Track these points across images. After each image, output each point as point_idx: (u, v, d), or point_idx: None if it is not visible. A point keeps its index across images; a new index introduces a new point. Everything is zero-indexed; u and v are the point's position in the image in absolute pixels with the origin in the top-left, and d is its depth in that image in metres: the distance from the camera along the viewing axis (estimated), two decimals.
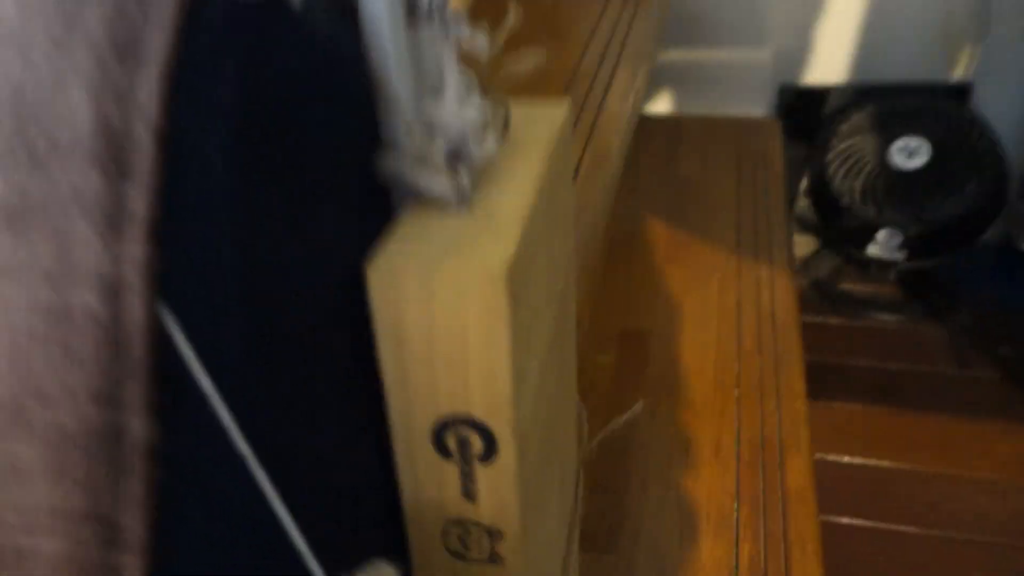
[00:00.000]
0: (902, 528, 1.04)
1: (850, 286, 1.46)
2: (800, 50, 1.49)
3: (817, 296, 1.45)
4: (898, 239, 1.29)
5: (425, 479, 0.33)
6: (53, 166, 0.23)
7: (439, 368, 0.30)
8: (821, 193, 1.38)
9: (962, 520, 1.05)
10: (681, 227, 1.12)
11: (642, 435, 0.79)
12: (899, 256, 1.31)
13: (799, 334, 0.91)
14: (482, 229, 0.30)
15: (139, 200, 0.23)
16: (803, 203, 1.53)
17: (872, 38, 1.44)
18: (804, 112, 1.51)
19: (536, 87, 0.81)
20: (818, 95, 1.49)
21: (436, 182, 0.31)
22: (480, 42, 0.33)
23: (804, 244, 1.58)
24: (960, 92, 1.43)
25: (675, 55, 1.54)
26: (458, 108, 0.33)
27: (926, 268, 1.39)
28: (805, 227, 1.57)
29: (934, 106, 1.31)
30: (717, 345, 0.90)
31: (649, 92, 1.60)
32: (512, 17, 0.42)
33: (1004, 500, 1.07)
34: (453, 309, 0.28)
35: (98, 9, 0.23)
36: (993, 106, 1.43)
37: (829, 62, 1.48)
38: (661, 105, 1.61)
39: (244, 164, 0.25)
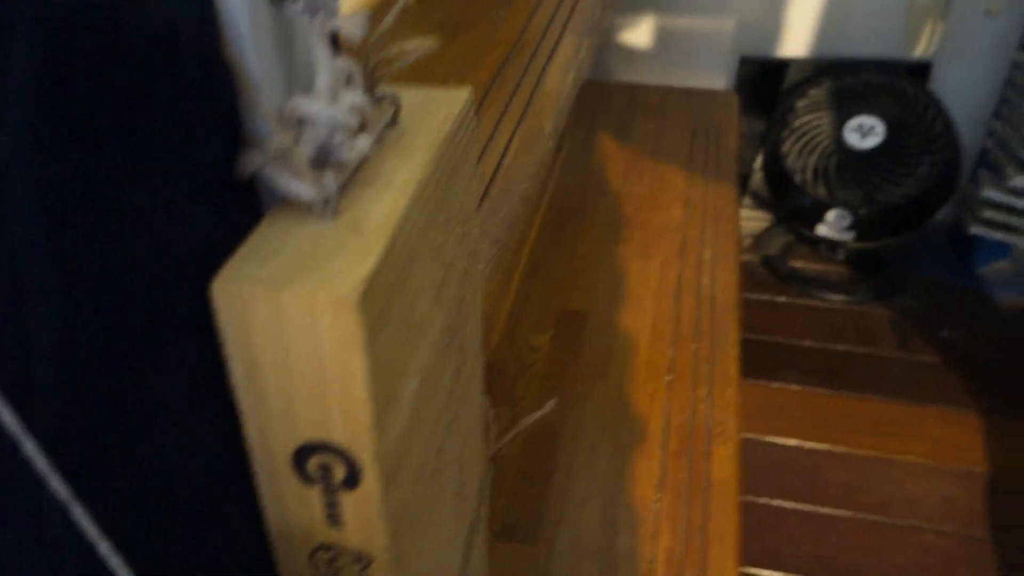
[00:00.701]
0: (833, 511, 1.05)
1: (800, 264, 1.46)
2: (762, 22, 1.46)
3: (766, 273, 1.45)
4: (848, 220, 1.28)
5: (289, 504, 0.31)
6: None
7: (296, 393, 0.28)
8: (775, 170, 1.36)
9: (893, 504, 1.06)
10: (628, 203, 1.10)
11: (570, 422, 0.78)
12: (848, 237, 1.31)
13: (737, 319, 0.89)
14: (343, 241, 0.27)
15: None
16: (758, 178, 1.51)
17: (835, 13, 1.41)
18: (764, 85, 1.49)
19: (474, 60, 0.77)
20: (779, 68, 1.47)
21: (299, 185, 0.28)
22: (357, 26, 0.30)
23: (757, 220, 1.57)
24: (920, 70, 1.41)
25: (636, 21, 1.50)
26: (329, 102, 0.30)
27: (875, 249, 1.39)
28: (759, 202, 1.56)
29: (891, 85, 1.30)
30: (653, 328, 0.89)
31: (609, 57, 1.57)
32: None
33: (934, 485, 1.08)
34: (306, 333, 0.26)
35: None
36: (952, 86, 1.42)
37: (791, 35, 1.46)
38: (620, 71, 1.58)
39: (48, 174, 0.22)
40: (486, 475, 0.50)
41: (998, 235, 1.28)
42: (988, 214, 1.27)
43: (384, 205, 0.29)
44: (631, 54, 1.55)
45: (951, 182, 1.30)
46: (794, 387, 1.23)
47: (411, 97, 0.36)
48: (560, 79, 0.73)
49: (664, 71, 1.55)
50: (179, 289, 0.26)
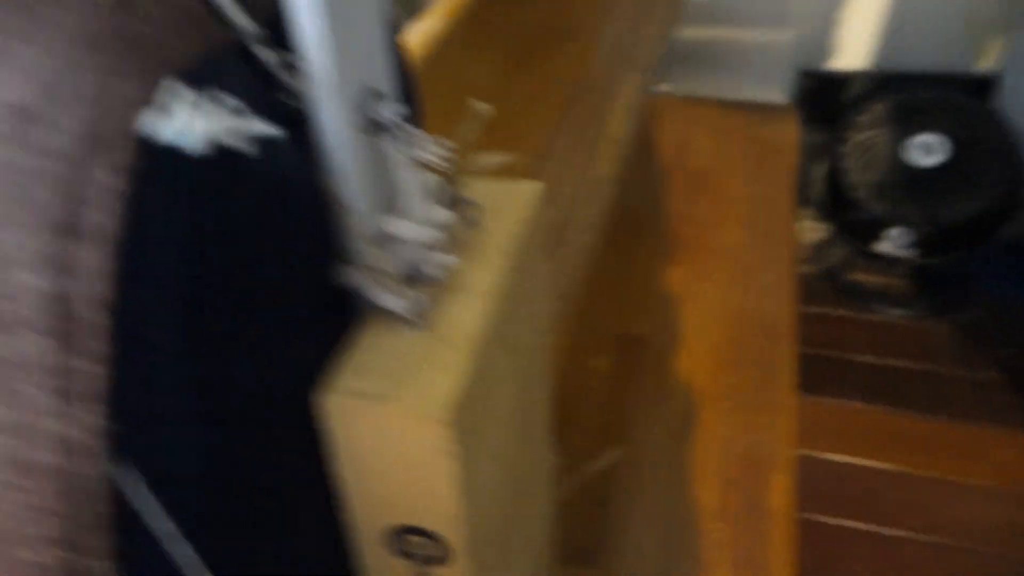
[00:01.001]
0: (891, 532, 1.06)
1: (859, 277, 1.45)
2: (822, 34, 1.45)
3: (825, 286, 1.45)
4: (909, 237, 1.28)
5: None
6: (6, 330, 0.24)
7: (393, 487, 0.31)
8: (834, 185, 1.36)
9: (953, 526, 1.06)
10: (687, 224, 1.11)
11: (631, 448, 0.81)
12: (909, 254, 1.30)
13: (794, 346, 0.91)
14: (434, 354, 0.31)
15: (86, 369, 0.24)
16: (818, 188, 1.51)
17: (896, 25, 1.40)
18: (824, 97, 1.48)
19: (540, 97, 0.80)
20: (839, 81, 1.46)
21: (392, 299, 0.32)
22: (440, 151, 0.34)
23: (817, 230, 1.57)
24: (984, 84, 1.39)
25: (696, 34, 1.50)
26: (417, 221, 0.33)
27: (937, 264, 1.37)
28: (819, 213, 1.56)
29: (954, 100, 1.28)
30: (712, 355, 0.91)
31: (667, 69, 1.58)
32: (482, 109, 0.41)
33: (997, 507, 1.08)
34: (403, 440, 0.30)
35: (47, 184, 0.24)
36: (1018, 99, 1.39)
37: (851, 48, 1.45)
38: (678, 83, 1.58)
39: (193, 320, 0.26)
40: (554, 521, 0.54)
41: None
42: None
43: (469, 315, 0.33)
44: (690, 66, 1.56)
45: (1016, 200, 1.28)
46: (852, 403, 1.23)
47: (487, 194, 0.40)
48: (622, 122, 0.76)
49: (723, 83, 1.55)
50: (293, 397, 0.30)
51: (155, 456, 0.26)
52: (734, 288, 1.00)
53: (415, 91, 0.37)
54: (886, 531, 1.06)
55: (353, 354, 0.31)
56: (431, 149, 0.34)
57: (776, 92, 1.53)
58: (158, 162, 0.25)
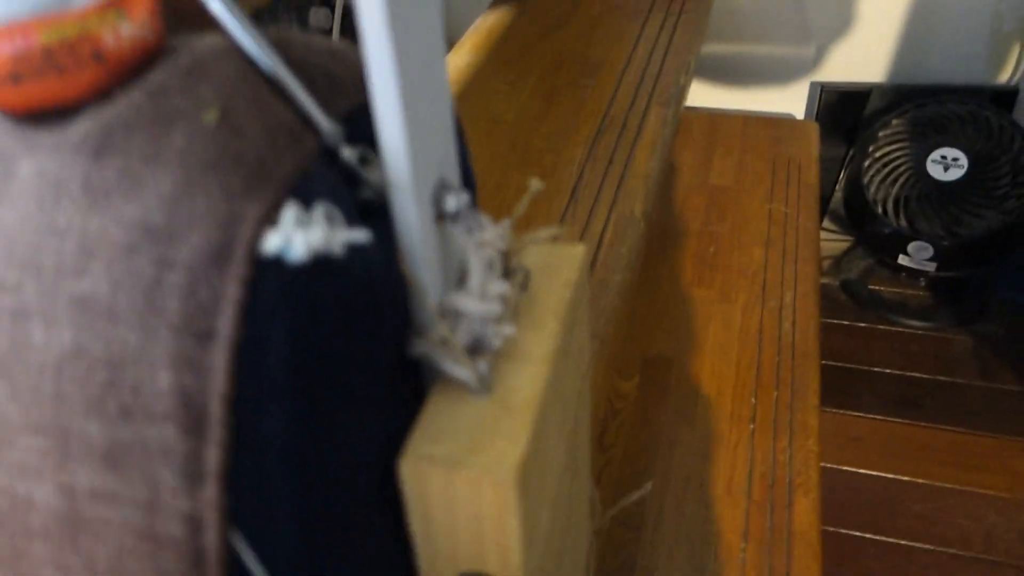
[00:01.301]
0: (912, 544, 1.09)
1: (880, 288, 1.48)
2: (843, 48, 1.48)
3: (846, 297, 1.47)
4: (929, 251, 1.30)
5: None
6: (139, 420, 0.28)
7: (460, 539, 0.35)
8: (855, 198, 1.38)
9: (972, 538, 1.09)
10: (710, 243, 1.14)
11: (659, 469, 0.84)
12: (930, 267, 1.32)
13: (818, 367, 0.94)
14: (498, 421, 0.34)
15: (212, 454, 0.28)
16: (839, 198, 1.53)
17: (916, 39, 1.42)
18: (845, 111, 1.50)
19: (567, 134, 0.83)
20: (860, 95, 1.48)
21: (459, 369, 0.36)
22: (501, 237, 0.37)
23: (838, 241, 1.59)
24: (1006, 96, 1.41)
25: (718, 48, 1.53)
26: (480, 298, 0.37)
27: (957, 276, 1.40)
28: (840, 224, 1.58)
29: (975, 115, 1.30)
30: (736, 376, 0.94)
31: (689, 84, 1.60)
32: (535, 184, 0.44)
33: (1015, 519, 1.10)
34: (471, 501, 0.33)
35: (175, 293, 0.28)
36: None
37: (872, 61, 1.47)
38: (701, 97, 1.61)
39: (296, 408, 0.30)
40: (591, 549, 0.57)
41: None
42: None
43: (527, 381, 0.36)
44: (712, 79, 1.58)
45: None
46: (873, 415, 1.26)
47: (536, 258, 0.43)
48: (648, 157, 0.79)
49: (744, 97, 1.58)
50: (377, 462, 0.34)
51: (261, 523, 0.30)
52: (757, 308, 1.03)
53: (471, 172, 0.41)
54: (905, 542, 1.09)
55: (426, 421, 0.35)
56: (493, 231, 0.38)
57: (797, 106, 1.55)
58: (266, 272, 0.28)
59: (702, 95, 1.60)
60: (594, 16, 1.08)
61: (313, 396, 0.30)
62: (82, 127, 0.30)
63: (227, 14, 0.32)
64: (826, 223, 1.60)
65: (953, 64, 1.43)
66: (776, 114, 1.55)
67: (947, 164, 1.29)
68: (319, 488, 0.32)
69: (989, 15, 1.38)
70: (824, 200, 1.56)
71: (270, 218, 0.28)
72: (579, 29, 1.04)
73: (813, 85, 1.52)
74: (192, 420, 0.28)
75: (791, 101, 1.55)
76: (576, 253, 0.44)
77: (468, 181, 0.40)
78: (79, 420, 0.29)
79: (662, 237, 1.17)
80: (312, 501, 0.31)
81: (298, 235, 0.29)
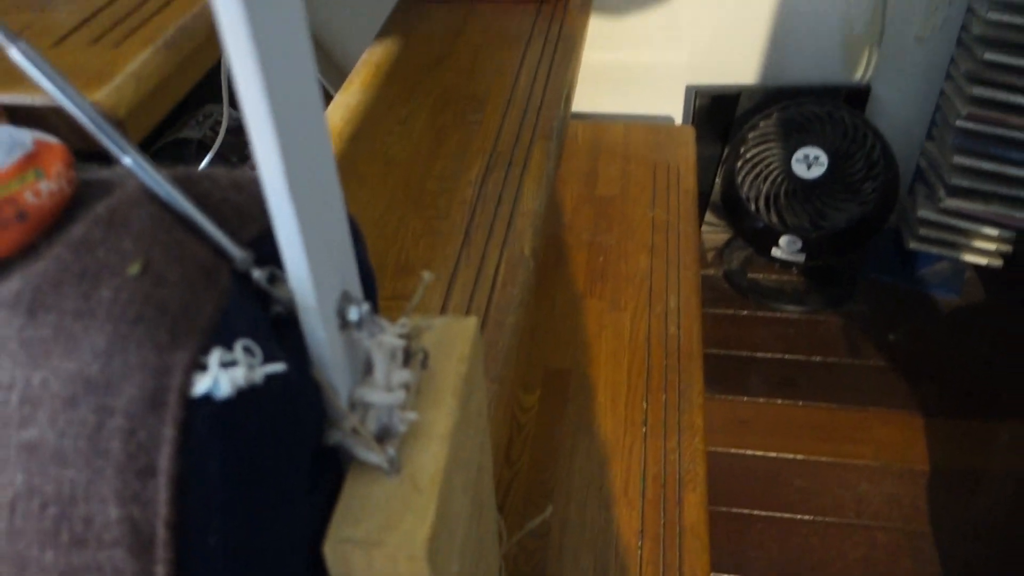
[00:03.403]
0: (794, 516, 1.20)
1: (758, 276, 1.59)
2: (713, 54, 1.57)
3: (728, 286, 1.58)
4: (799, 243, 1.42)
5: None
6: (92, 547, 0.32)
7: None
8: (731, 196, 1.49)
9: (845, 505, 1.21)
10: (599, 253, 1.22)
11: (561, 478, 0.91)
12: (800, 258, 1.44)
13: (702, 369, 1.03)
14: (408, 500, 0.40)
15: (161, 570, 0.32)
16: (718, 199, 1.64)
17: (781, 42, 1.53)
18: (718, 111, 1.60)
19: (458, 174, 0.88)
20: (731, 97, 1.59)
21: (371, 455, 0.41)
22: (398, 338, 0.42)
23: (719, 232, 1.70)
24: (860, 94, 1.54)
25: (598, 56, 1.60)
26: (385, 389, 0.42)
27: (826, 264, 1.52)
28: (720, 220, 1.69)
29: (832, 115, 1.42)
30: (629, 382, 1.02)
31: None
32: (428, 275, 0.48)
33: (881, 485, 1.23)
34: (389, 573, 0.38)
35: (117, 436, 0.32)
36: (889, 109, 1.54)
37: (740, 65, 1.57)
38: (585, 102, 1.68)
39: (231, 518, 0.34)
40: (501, 571, 0.64)
41: (934, 250, 1.42)
42: (924, 231, 1.40)
43: (431, 459, 0.42)
44: (593, 85, 1.66)
45: (891, 203, 1.43)
46: (756, 398, 1.37)
47: (432, 334, 0.48)
48: (535, 194, 0.85)
49: (624, 100, 1.66)
50: (308, 544, 0.39)
51: None
52: (645, 315, 1.11)
53: (371, 271, 0.45)
54: (788, 515, 1.20)
55: (344, 504, 0.40)
56: (392, 330, 0.43)
57: (674, 108, 1.65)
58: (196, 410, 0.33)
59: (585, 100, 1.67)
60: (476, 46, 1.13)
61: (248, 503, 0.35)
62: (14, 286, 0.34)
63: (141, 166, 0.36)
64: (709, 217, 1.70)
65: (812, 65, 1.55)
66: (656, 117, 1.64)
67: (810, 162, 1.40)
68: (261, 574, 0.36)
69: (840, 20, 1.50)
70: (705, 195, 1.67)
71: (197, 363, 0.33)
72: (463, 61, 1.09)
73: (688, 88, 1.61)
74: (140, 545, 0.32)
75: (669, 103, 1.64)
76: (468, 326, 0.50)
77: (367, 280, 0.45)
78: (34, 550, 0.33)
79: (556, 249, 1.24)
80: None
81: (223, 376, 0.33)
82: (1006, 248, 1.39)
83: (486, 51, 1.11)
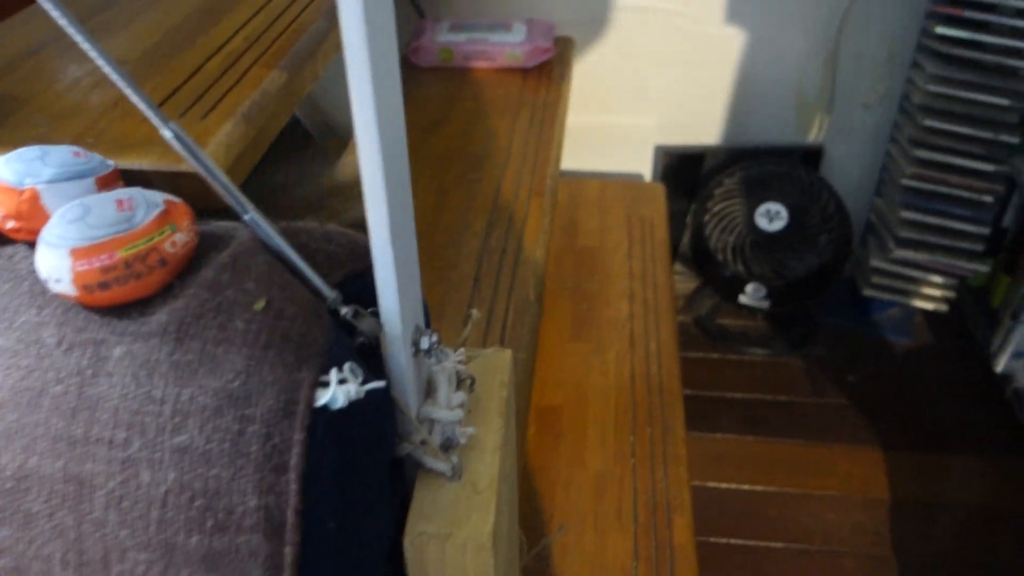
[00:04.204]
0: (768, 544, 1.28)
1: (726, 322, 1.70)
2: (679, 117, 1.70)
3: (699, 331, 1.69)
4: (763, 291, 1.53)
5: None
6: (232, 532, 0.40)
7: None
8: (699, 247, 1.60)
9: (815, 533, 1.30)
10: (583, 300, 1.31)
11: (560, 508, 0.99)
12: (764, 305, 1.55)
13: (682, 405, 1.12)
14: (471, 502, 0.47)
15: (289, 552, 0.40)
16: (687, 250, 1.75)
17: (739, 108, 1.66)
18: (686, 170, 1.73)
19: (463, 227, 0.97)
20: (696, 156, 1.71)
21: (437, 463, 0.49)
22: (460, 362, 0.51)
23: (689, 280, 1.81)
24: (814, 153, 1.67)
25: (575, 119, 1.72)
26: (447, 408, 0.50)
27: (788, 310, 1.64)
28: (690, 266, 1.80)
29: (790, 173, 1.55)
30: (616, 418, 1.10)
31: None
32: (475, 313, 0.57)
33: (847, 514, 1.32)
34: (458, 563, 0.46)
35: (256, 440, 0.40)
36: (841, 166, 1.68)
37: (705, 127, 1.70)
38: (564, 160, 1.79)
39: (343, 510, 0.42)
40: None
41: (886, 296, 1.55)
42: (876, 279, 1.53)
43: (486, 467, 0.50)
44: (570, 144, 1.77)
45: (846, 252, 1.55)
46: (729, 436, 1.46)
47: (476, 364, 0.57)
48: (535, 245, 0.94)
49: (599, 158, 1.78)
50: (391, 537, 0.46)
51: None
52: (628, 356, 1.20)
53: (428, 315, 0.54)
54: (762, 544, 1.29)
55: (417, 504, 0.47)
56: (453, 357, 0.51)
57: (644, 165, 1.76)
58: (317, 418, 0.40)
59: (564, 158, 1.78)
60: (470, 111, 1.23)
61: (353, 495, 0.42)
62: (161, 318, 0.42)
63: (257, 222, 0.44)
64: (678, 266, 1.81)
65: (770, 127, 1.68)
66: (628, 174, 1.76)
67: (771, 216, 1.52)
68: (357, 565, 0.44)
69: (794, 88, 1.64)
70: (675, 246, 1.78)
71: (311, 379, 0.40)
72: (459, 125, 1.19)
73: (657, 148, 1.74)
74: (274, 529, 0.39)
75: (640, 162, 1.76)
76: (505, 357, 0.58)
77: (426, 316, 0.53)
78: (181, 536, 0.40)
79: (545, 297, 1.32)
80: (354, 568, 0.43)
81: (340, 391, 0.41)
82: (951, 295, 1.52)
83: (480, 116, 1.21)
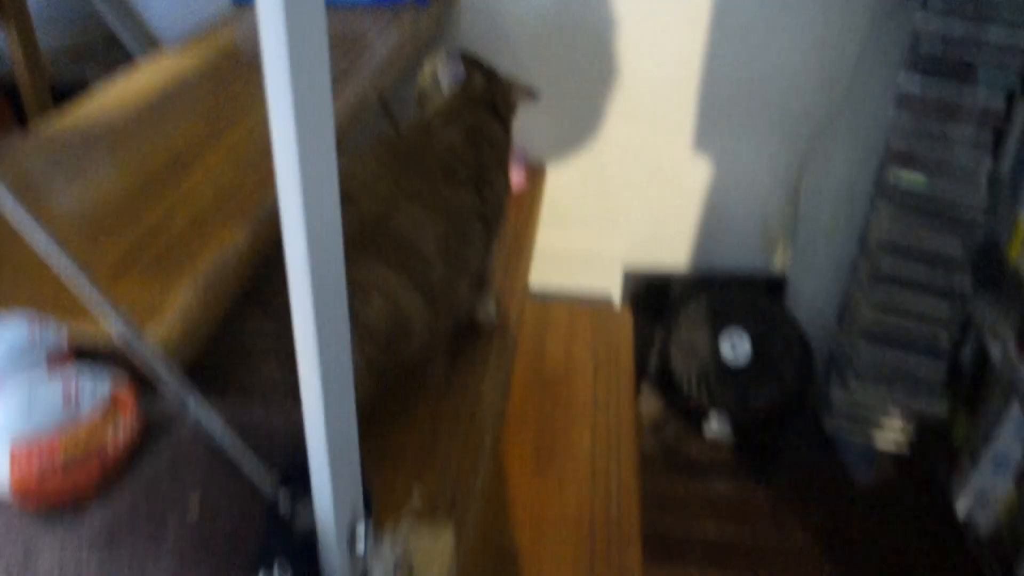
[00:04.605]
0: None
1: (691, 450, 1.70)
2: (647, 241, 1.74)
3: (663, 460, 1.68)
4: (727, 424, 1.53)
5: None
6: None
7: None
8: (664, 374, 1.61)
9: None
10: (546, 432, 1.31)
11: None
12: (729, 438, 1.55)
13: (639, 550, 1.10)
14: None
15: None
16: (653, 374, 1.76)
17: (706, 235, 1.71)
18: (652, 294, 1.75)
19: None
20: (663, 282, 1.74)
21: None
22: (395, 546, 0.50)
23: (656, 407, 1.81)
24: (777, 283, 1.71)
25: (546, 240, 1.75)
26: None
27: (754, 442, 1.64)
28: (656, 394, 1.81)
29: (753, 303, 1.58)
30: (575, 562, 1.08)
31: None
32: (418, 502, 0.57)
33: None
34: None
35: None
36: (803, 296, 1.72)
37: (670, 253, 1.74)
38: (534, 277, 1.82)
39: None
40: None
41: (847, 435, 1.56)
42: (838, 414, 1.54)
43: None
44: (543, 266, 1.80)
45: (808, 381, 1.57)
46: (691, 569, 1.44)
47: (417, 544, 0.56)
48: (493, 399, 0.94)
49: (570, 279, 1.80)
50: None
51: None
52: (587, 496, 1.18)
53: (371, 496, 0.53)
54: None
55: None
56: (389, 548, 0.50)
57: (613, 287, 1.79)
58: None
59: (535, 276, 1.80)
60: None
61: None
62: (93, 523, 0.41)
63: (205, 416, 0.44)
64: (647, 387, 1.82)
65: (735, 256, 1.72)
66: (596, 298, 1.78)
67: (734, 343, 1.54)
68: None
69: (759, 219, 1.69)
70: (644, 367, 1.79)
71: None
72: None
73: (626, 272, 1.77)
74: None
75: (608, 282, 1.79)
76: (446, 542, 0.57)
77: (368, 504, 0.52)
78: None
79: (509, 424, 1.32)
80: None
81: None
82: (910, 434, 1.53)
83: None
